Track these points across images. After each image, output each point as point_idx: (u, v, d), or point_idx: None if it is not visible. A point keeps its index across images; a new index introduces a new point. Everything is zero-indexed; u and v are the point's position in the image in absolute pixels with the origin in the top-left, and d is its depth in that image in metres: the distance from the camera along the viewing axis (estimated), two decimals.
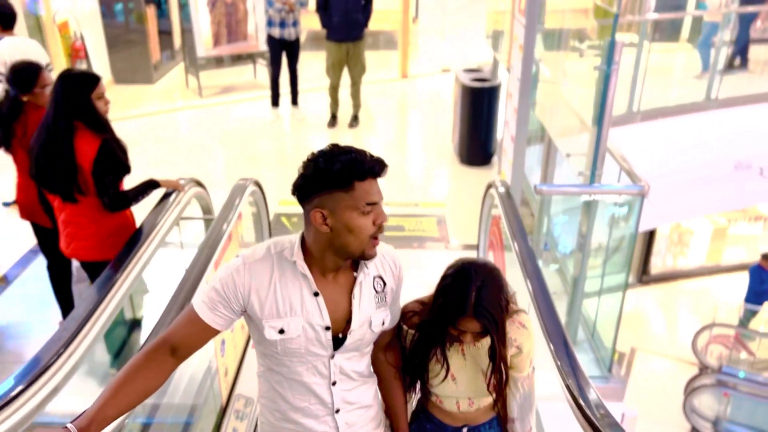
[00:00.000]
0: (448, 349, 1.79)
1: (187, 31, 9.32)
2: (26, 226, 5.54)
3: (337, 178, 1.50)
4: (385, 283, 1.71)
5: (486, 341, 1.72)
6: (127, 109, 8.44)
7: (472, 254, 5.02)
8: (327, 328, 1.63)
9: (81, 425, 1.40)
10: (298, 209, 4.94)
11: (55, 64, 7.95)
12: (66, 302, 3.92)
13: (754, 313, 9.50)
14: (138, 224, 3.21)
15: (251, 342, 3.58)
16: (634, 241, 4.20)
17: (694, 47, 9.22)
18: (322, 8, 7.46)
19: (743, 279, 10.09)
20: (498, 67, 7.49)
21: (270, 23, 7.81)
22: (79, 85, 2.90)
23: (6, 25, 4.80)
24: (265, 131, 8.22)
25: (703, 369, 8.51)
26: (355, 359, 1.72)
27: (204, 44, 8.93)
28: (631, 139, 6.85)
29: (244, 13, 9.14)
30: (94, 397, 1.49)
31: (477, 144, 7.25)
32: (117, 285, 2.55)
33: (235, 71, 9.89)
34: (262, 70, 9.67)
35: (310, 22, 9.92)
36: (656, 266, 11.28)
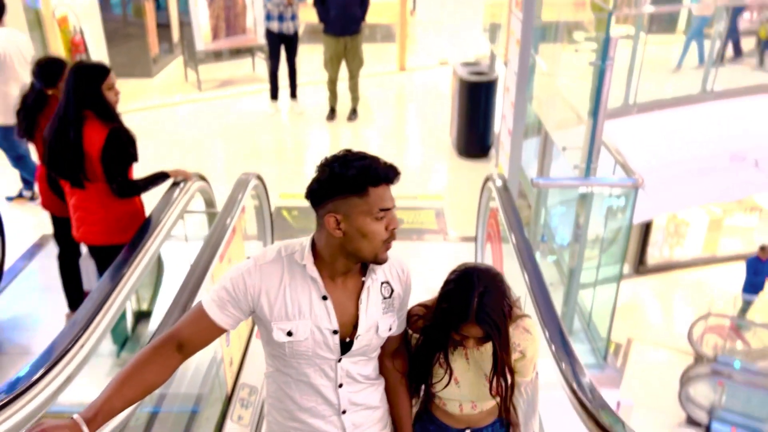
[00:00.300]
0: (451, 353, 1.79)
1: (185, 25, 9.35)
2: (30, 220, 5.64)
3: (351, 183, 1.52)
4: (392, 290, 1.72)
5: (490, 345, 1.73)
6: (126, 103, 8.45)
7: (470, 246, 5.10)
8: (335, 332, 1.64)
9: (88, 416, 1.43)
10: (299, 202, 5.08)
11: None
12: (73, 292, 3.99)
13: (750, 304, 9.59)
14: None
15: (255, 332, 3.67)
16: (628, 232, 4.27)
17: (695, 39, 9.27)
18: (320, 2, 7.50)
19: (739, 270, 10.17)
20: (495, 60, 7.55)
21: (268, 17, 7.85)
22: (90, 76, 3.01)
23: None
24: (264, 125, 8.27)
25: (699, 359, 8.61)
26: (362, 363, 1.73)
27: (203, 38, 8.96)
28: (628, 132, 6.92)
29: (242, 6, 9.18)
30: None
31: (475, 137, 7.32)
32: (129, 272, 2.64)
33: (233, 65, 9.92)
34: (261, 63, 9.71)
35: (308, 15, 9.95)
36: (653, 257, 11.35)
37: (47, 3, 7.76)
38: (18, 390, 1.87)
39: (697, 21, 9.10)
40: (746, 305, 9.64)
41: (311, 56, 9.70)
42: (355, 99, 8.23)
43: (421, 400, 1.97)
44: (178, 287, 2.63)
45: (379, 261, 1.61)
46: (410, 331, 1.85)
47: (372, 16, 8.13)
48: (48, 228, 5.46)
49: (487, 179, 4.17)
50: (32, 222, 5.63)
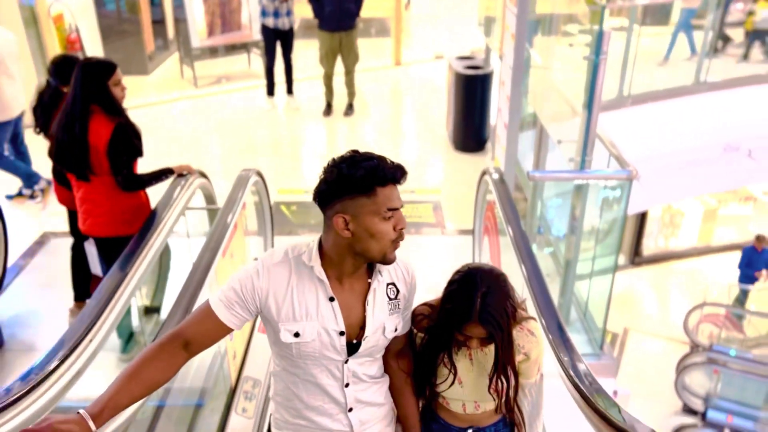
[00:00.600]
0: (455, 354, 1.80)
1: (180, 21, 9.37)
2: (30, 218, 5.67)
3: (359, 183, 1.53)
4: (398, 291, 1.73)
5: (493, 347, 1.73)
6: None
7: (467, 239, 5.16)
8: (341, 333, 1.65)
9: (94, 411, 1.43)
10: (297, 197, 5.15)
11: (52, 56, 8.00)
12: (80, 284, 4.04)
13: (747, 293, 9.67)
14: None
15: (257, 326, 3.72)
16: (623, 224, 4.33)
17: (683, 31, 9.33)
18: None
19: (734, 259, 10.26)
20: (490, 54, 7.59)
21: (264, 13, 7.87)
22: (97, 72, 3.09)
23: None
24: (261, 120, 8.31)
25: (695, 347, 8.68)
26: (368, 363, 1.75)
27: (198, 34, 8.98)
28: (622, 123, 6.98)
29: (237, 2, 9.20)
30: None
31: (471, 131, 7.37)
32: (138, 261, 2.72)
33: (229, 61, 9.94)
34: (257, 59, 9.73)
35: (302, 10, 9.97)
36: (648, 248, 11.43)
37: (42, 1, 7.77)
38: (36, 379, 1.94)
39: (685, 13, 9.16)
40: (743, 295, 9.71)
41: (307, 51, 9.72)
42: (351, 94, 8.26)
43: (426, 400, 1.97)
44: (181, 283, 2.68)
45: (387, 261, 1.62)
46: (415, 331, 1.86)
47: (367, 11, 8.16)
48: (48, 225, 5.53)
49: (484, 173, 4.22)
50: (32, 220, 5.67)
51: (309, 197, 6.17)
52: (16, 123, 5.67)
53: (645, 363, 8.99)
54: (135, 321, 3.82)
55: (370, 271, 1.69)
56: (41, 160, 6.61)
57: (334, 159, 1.59)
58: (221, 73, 9.71)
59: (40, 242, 5.25)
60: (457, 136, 7.44)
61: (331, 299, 1.63)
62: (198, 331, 1.62)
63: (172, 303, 2.59)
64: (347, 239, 1.57)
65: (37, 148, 6.57)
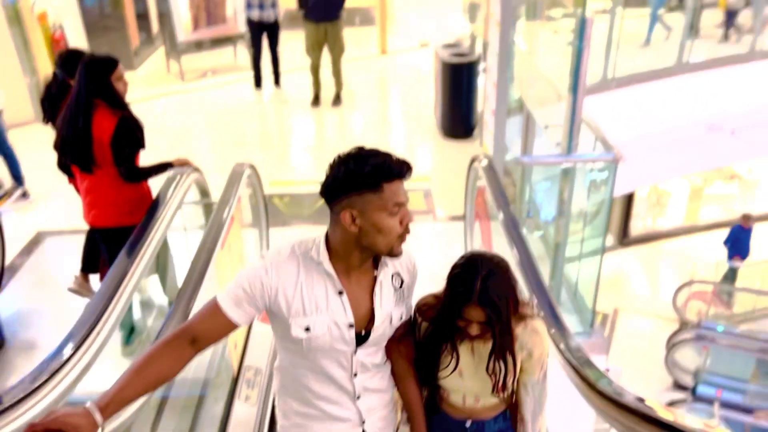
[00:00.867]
0: (458, 345, 1.82)
1: (164, 15, 9.35)
2: (24, 217, 5.70)
3: (367, 179, 1.56)
4: (402, 280, 1.78)
5: (509, 368, 1.76)
6: None
7: (458, 225, 5.24)
8: (351, 326, 1.69)
9: (100, 405, 1.45)
10: (289, 189, 5.23)
11: (37, 55, 7.99)
12: (89, 256, 4.08)
13: (735, 271, 9.82)
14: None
15: (256, 316, 3.79)
16: (610, 205, 4.44)
17: (667, 12, 9.41)
18: None
19: (721, 237, 10.42)
20: (476, 41, 7.66)
21: (249, 6, 7.89)
22: (100, 68, 3.20)
23: None
24: (249, 113, 8.33)
25: (684, 325, 8.83)
26: (374, 353, 1.79)
27: (184, 28, 8.97)
28: (608, 106, 7.07)
29: None
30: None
31: (459, 118, 7.44)
32: (143, 248, 2.82)
33: (215, 54, 9.93)
34: (243, 52, 9.73)
35: (287, 1, 9.97)
36: (636, 228, 11.56)
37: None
38: (55, 366, 2.02)
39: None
40: (731, 272, 9.86)
41: (293, 43, 9.74)
42: (338, 84, 8.30)
43: (428, 391, 2.00)
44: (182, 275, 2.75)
45: (395, 254, 1.65)
46: (420, 320, 1.89)
47: (351, 0, 8.19)
48: (43, 224, 5.57)
49: (473, 159, 4.31)
50: (26, 219, 5.70)
51: (301, 189, 6.35)
52: None
53: (635, 341, 9.14)
54: (135, 317, 3.90)
55: (375, 263, 1.73)
56: (38, 156, 6.64)
57: (340, 155, 1.61)
58: (208, 66, 9.70)
59: (36, 241, 5.28)
60: (445, 123, 7.51)
61: (340, 293, 1.67)
62: (205, 327, 1.65)
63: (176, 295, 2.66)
64: (354, 234, 1.60)
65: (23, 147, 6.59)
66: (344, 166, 1.58)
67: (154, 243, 2.91)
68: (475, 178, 4.40)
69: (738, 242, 9.61)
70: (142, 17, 10.44)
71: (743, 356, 8.60)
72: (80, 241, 5.27)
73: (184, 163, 3.65)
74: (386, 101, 9.41)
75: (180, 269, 3.92)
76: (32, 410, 1.88)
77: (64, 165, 3.62)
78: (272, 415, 3.30)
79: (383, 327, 1.74)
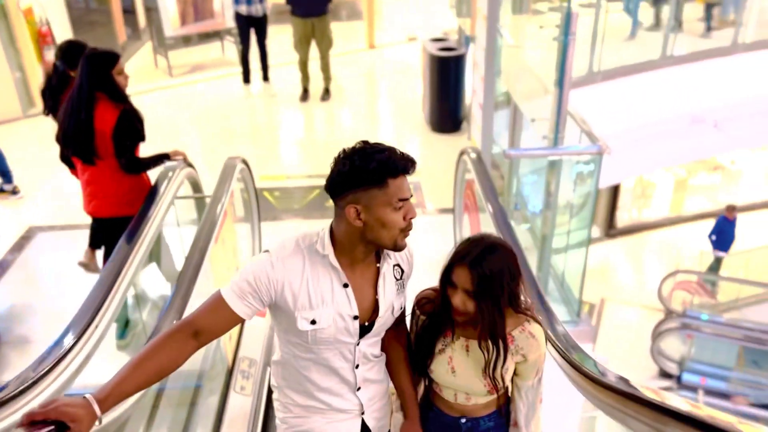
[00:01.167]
0: (453, 342, 1.84)
1: (151, 10, 9.32)
2: (14, 213, 5.71)
3: (372, 175, 1.58)
4: (402, 271, 1.82)
5: (489, 337, 1.76)
6: None
7: (448, 217, 5.31)
8: (355, 318, 1.72)
9: (99, 397, 1.45)
10: (279, 183, 5.32)
11: (24, 50, 7.96)
12: (96, 234, 4.09)
13: (720, 261, 9.96)
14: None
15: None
16: (595, 197, 4.52)
17: (650, 5, 9.49)
18: None
19: (705, 227, 10.57)
20: (463, 35, 7.72)
21: (236, 1, 7.88)
22: (101, 62, 3.28)
23: None
24: (238, 108, 8.35)
25: (669, 314, 8.96)
26: (374, 344, 1.83)
27: (171, 23, 8.96)
28: (594, 99, 7.17)
29: None
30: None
31: (447, 112, 7.50)
32: (144, 234, 2.93)
33: (203, 49, 9.92)
34: (231, 47, 9.73)
35: None
36: (622, 220, 11.69)
37: None
38: (60, 353, 2.07)
39: None
40: (716, 262, 10.00)
41: (281, 37, 9.75)
42: (327, 79, 8.33)
43: (424, 388, 2.02)
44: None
45: (398, 248, 1.68)
46: (418, 313, 1.91)
47: None
48: (34, 220, 5.58)
49: (462, 152, 4.38)
50: (16, 215, 5.70)
51: (291, 183, 6.40)
52: None
53: (622, 331, 9.27)
54: (129, 311, 3.93)
55: (378, 255, 1.76)
56: (25, 152, 6.63)
57: (345, 150, 1.62)
58: (196, 61, 9.70)
59: (27, 237, 5.30)
60: (433, 117, 7.57)
61: (345, 285, 1.70)
62: (209, 321, 1.65)
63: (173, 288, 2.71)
64: (359, 228, 1.63)
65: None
66: (349, 162, 1.59)
67: (152, 231, 2.97)
68: (464, 171, 4.47)
69: (723, 233, 9.75)
70: (129, 12, 10.40)
71: (727, 344, 8.76)
72: (72, 235, 5.31)
73: (179, 155, 3.74)
74: (374, 95, 9.46)
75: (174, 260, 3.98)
76: (38, 398, 1.92)
77: (65, 157, 3.68)
78: (267, 406, 3.37)
79: (386, 317, 1.78)
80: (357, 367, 1.81)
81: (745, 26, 8.27)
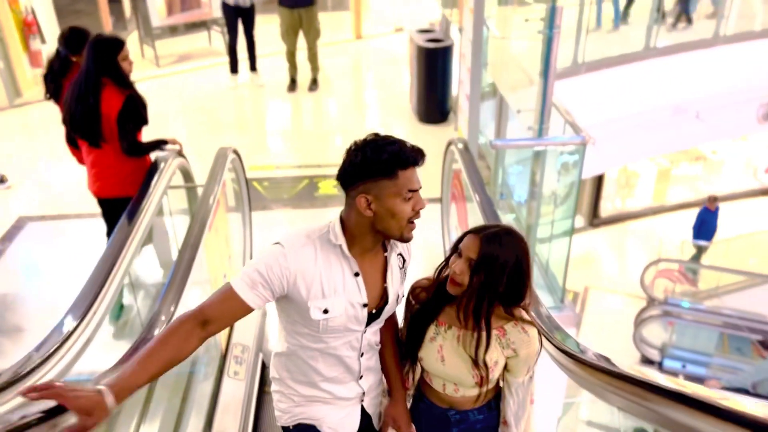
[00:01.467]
0: (444, 332, 1.87)
1: (137, 0, 9.29)
2: (3, 204, 5.72)
3: (383, 167, 1.62)
4: (404, 259, 1.88)
5: (483, 333, 1.78)
6: None
7: (435, 206, 5.39)
8: (364, 306, 1.76)
9: (113, 388, 1.44)
10: (268, 173, 5.43)
11: (9, 40, 7.91)
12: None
13: (701, 250, 10.14)
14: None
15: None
16: (579, 187, 4.63)
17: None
18: None
19: (687, 217, 10.75)
20: (450, 26, 7.78)
21: None
22: (108, 48, 3.41)
23: None
24: (226, 98, 8.37)
25: (651, 302, 9.12)
26: (376, 332, 1.89)
27: (158, 13, 8.93)
28: (578, 90, 7.27)
29: None
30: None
31: (434, 102, 7.58)
32: (143, 213, 3.07)
33: (189, 39, 9.89)
34: (217, 37, 9.72)
35: None
36: (606, 209, 11.85)
37: None
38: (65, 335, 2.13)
39: None
40: (699, 251, 10.17)
41: (268, 27, 9.75)
42: (314, 69, 8.37)
43: (417, 380, 2.04)
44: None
45: (405, 239, 1.73)
46: (413, 302, 1.95)
47: None
48: (22, 210, 5.60)
49: (449, 143, 4.46)
50: (5, 205, 5.72)
51: (279, 173, 6.47)
52: None
53: (605, 318, 9.44)
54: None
55: (383, 244, 1.82)
56: (12, 142, 6.62)
57: (357, 142, 1.67)
58: (182, 51, 9.68)
59: (18, 226, 5.32)
60: (420, 107, 7.65)
61: (357, 274, 1.74)
62: (218, 310, 1.66)
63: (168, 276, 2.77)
64: (369, 218, 1.67)
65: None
66: (361, 153, 1.64)
67: (151, 211, 3.06)
68: (452, 161, 4.56)
69: (705, 224, 9.93)
70: (115, 1, 10.35)
71: (707, 331, 8.95)
72: (62, 225, 5.35)
73: (176, 143, 3.87)
74: (362, 86, 9.51)
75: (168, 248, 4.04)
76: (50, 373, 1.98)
77: (71, 138, 3.81)
78: (260, 390, 3.45)
79: (391, 304, 1.84)
80: (362, 355, 1.86)
81: (727, 19, 8.40)
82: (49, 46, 8.67)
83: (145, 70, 9.15)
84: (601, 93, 7.75)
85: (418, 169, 1.72)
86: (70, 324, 2.21)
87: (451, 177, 4.69)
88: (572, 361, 1.86)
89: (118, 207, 3.42)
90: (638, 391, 1.55)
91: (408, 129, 7.64)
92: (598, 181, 11.17)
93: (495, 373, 1.83)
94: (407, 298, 1.97)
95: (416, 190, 1.68)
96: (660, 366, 8.78)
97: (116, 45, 3.43)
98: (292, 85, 8.43)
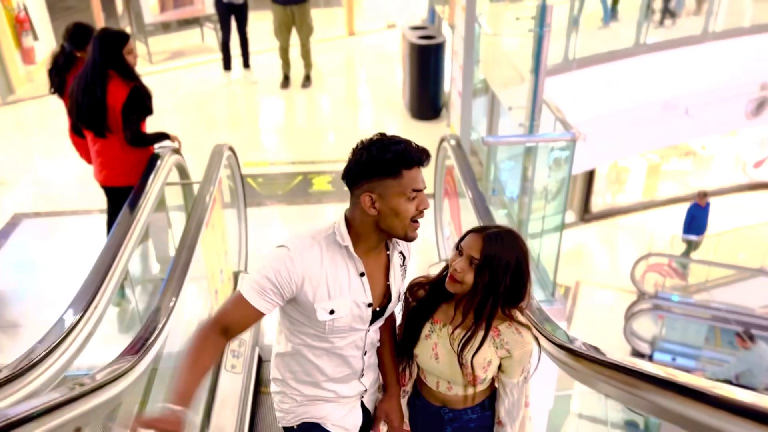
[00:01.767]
0: (439, 330, 1.88)
1: None
2: (4, 199, 5.75)
3: (388, 166, 1.64)
4: (404, 257, 1.89)
5: (478, 336, 1.80)
6: None
7: (428, 202, 5.45)
8: (369, 305, 1.78)
9: (181, 403, 1.58)
10: (262, 170, 5.52)
11: (1, 37, 7.90)
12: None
13: (692, 244, 10.25)
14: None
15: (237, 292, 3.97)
16: (568, 182, 4.70)
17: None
18: None
19: (677, 211, 10.86)
20: (442, 23, 7.83)
21: None
22: (113, 42, 3.52)
23: None
24: (219, 95, 8.39)
25: (641, 296, 9.23)
26: (377, 330, 1.91)
27: (151, 10, 8.93)
28: (569, 86, 7.34)
29: None
30: None
31: (427, 99, 7.63)
32: (144, 201, 3.19)
33: (182, 36, 9.89)
34: (210, 33, 9.72)
35: None
36: (597, 205, 11.96)
37: None
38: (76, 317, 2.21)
39: None
40: (689, 246, 10.29)
41: (261, 23, 9.77)
42: (307, 66, 8.40)
43: (414, 378, 2.05)
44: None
45: (409, 238, 1.74)
46: (410, 299, 1.96)
47: None
48: (16, 207, 5.62)
49: (442, 140, 4.52)
50: (1, 202, 5.74)
51: (273, 169, 6.53)
52: None
53: (596, 312, 9.55)
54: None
55: (386, 243, 1.83)
56: (5, 140, 6.62)
57: (363, 141, 1.69)
58: (175, 48, 9.68)
59: (13, 223, 5.35)
60: (413, 104, 7.70)
61: (362, 274, 1.76)
62: (233, 319, 1.72)
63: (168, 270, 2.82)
64: (373, 216, 1.69)
65: None
66: (366, 152, 1.66)
67: (152, 200, 3.15)
68: (444, 157, 4.62)
69: (695, 219, 10.04)
70: None
71: (696, 324, 9.07)
72: (57, 222, 5.39)
73: (176, 140, 4.01)
74: (355, 82, 9.54)
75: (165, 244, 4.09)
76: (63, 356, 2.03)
77: (76, 128, 3.90)
78: (256, 383, 3.51)
79: (394, 302, 1.88)
80: (365, 353, 1.89)
81: (716, 15, 8.49)
82: (41, 42, 8.68)
83: (138, 66, 9.10)
84: (592, 89, 7.83)
85: None
86: (72, 317, 2.25)
87: (444, 173, 4.75)
88: (562, 352, 1.92)
89: (123, 195, 3.53)
90: (625, 378, 1.60)
91: (401, 125, 7.69)
92: (589, 176, 11.26)
93: (488, 373, 1.85)
94: (405, 296, 1.99)
95: (420, 190, 1.69)
96: (650, 359, 8.88)
97: (122, 38, 3.54)
98: (286, 81, 8.45)
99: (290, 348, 1.87)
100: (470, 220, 3.63)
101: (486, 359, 1.82)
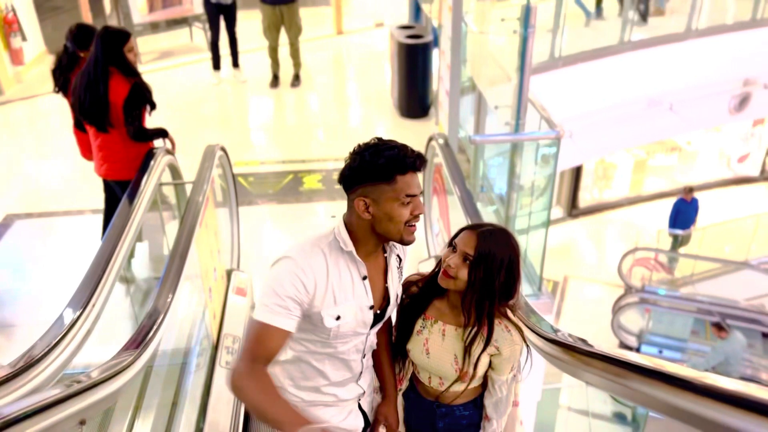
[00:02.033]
0: (431, 326, 1.91)
1: None
2: None
3: (381, 171, 1.63)
4: (400, 259, 1.90)
5: (471, 329, 1.83)
6: None
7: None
8: (371, 308, 1.79)
9: (299, 423, 1.57)
10: (253, 169, 5.64)
11: None
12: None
13: (679, 239, 10.39)
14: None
15: (231, 287, 4.03)
16: (554, 179, 4.79)
17: None
18: None
19: (663, 206, 11.00)
20: (429, 22, 7.90)
21: None
22: (115, 39, 3.65)
23: None
24: (209, 95, 8.42)
25: (628, 289, 9.36)
26: (375, 333, 1.91)
27: (139, 10, 8.94)
28: (556, 84, 7.43)
29: None
30: None
31: (415, 98, 7.70)
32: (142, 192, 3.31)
33: (171, 36, 9.89)
34: (199, 33, 9.74)
35: None
36: (584, 200, 12.08)
37: None
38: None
39: None
40: (675, 240, 10.42)
41: (250, 23, 9.79)
42: (296, 65, 8.45)
43: (409, 374, 2.07)
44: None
45: (406, 242, 1.74)
46: (404, 297, 1.98)
47: None
48: (9, 208, 5.64)
49: (431, 138, 4.60)
50: None
51: (263, 168, 6.63)
52: None
53: (584, 306, 9.67)
54: None
55: (383, 246, 1.84)
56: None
57: (359, 145, 1.69)
58: (164, 48, 9.69)
59: (5, 224, 5.37)
60: (402, 103, 7.77)
61: (364, 278, 1.77)
62: (264, 349, 1.69)
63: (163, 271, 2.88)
64: (368, 221, 1.69)
65: None
66: (359, 158, 1.66)
67: (149, 194, 3.29)
68: (432, 155, 4.70)
69: (680, 214, 10.17)
70: None
71: (682, 317, 9.21)
72: (50, 222, 5.42)
73: (172, 141, 4.13)
74: (344, 81, 9.60)
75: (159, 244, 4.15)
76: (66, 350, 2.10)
77: (79, 124, 4.01)
78: None
79: (393, 304, 1.89)
80: (364, 356, 1.90)
81: (699, 12, 8.60)
82: (29, 43, 8.67)
83: None
84: (579, 86, 7.92)
85: None
86: (71, 314, 2.30)
87: (433, 171, 4.83)
88: (546, 342, 2.01)
89: (122, 189, 3.65)
90: (608, 366, 1.66)
91: (389, 124, 7.76)
92: (577, 172, 11.37)
93: (480, 370, 1.88)
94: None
95: (415, 195, 1.69)
96: (638, 352, 9.01)
97: (123, 36, 3.68)
98: (275, 81, 8.50)
99: (292, 355, 1.87)
100: (458, 216, 3.72)
101: (477, 356, 1.86)
